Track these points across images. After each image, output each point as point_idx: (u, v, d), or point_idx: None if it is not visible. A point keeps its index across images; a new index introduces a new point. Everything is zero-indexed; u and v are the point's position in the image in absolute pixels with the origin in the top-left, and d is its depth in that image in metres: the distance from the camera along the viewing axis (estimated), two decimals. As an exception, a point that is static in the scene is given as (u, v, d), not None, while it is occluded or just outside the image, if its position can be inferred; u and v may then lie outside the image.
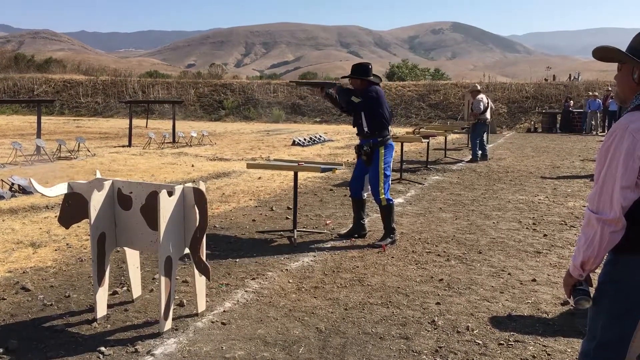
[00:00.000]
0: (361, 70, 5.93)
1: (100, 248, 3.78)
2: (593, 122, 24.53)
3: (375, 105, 5.79)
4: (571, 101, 26.75)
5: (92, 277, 3.98)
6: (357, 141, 6.11)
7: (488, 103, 13.87)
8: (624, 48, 2.10)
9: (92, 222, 3.71)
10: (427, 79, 42.60)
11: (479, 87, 14.32)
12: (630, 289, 2.04)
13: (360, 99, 5.77)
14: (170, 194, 3.59)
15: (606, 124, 24.00)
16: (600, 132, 24.07)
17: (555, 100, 29.78)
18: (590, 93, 25.89)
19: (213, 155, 14.37)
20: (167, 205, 3.55)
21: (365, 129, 5.85)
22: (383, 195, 5.79)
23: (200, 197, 3.65)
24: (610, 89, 25.46)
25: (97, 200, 3.71)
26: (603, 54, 2.14)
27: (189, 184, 3.77)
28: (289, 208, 7.52)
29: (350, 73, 5.99)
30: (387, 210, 5.84)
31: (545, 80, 35.43)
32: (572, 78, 35.35)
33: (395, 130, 21.34)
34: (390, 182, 6.00)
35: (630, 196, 1.99)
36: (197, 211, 3.67)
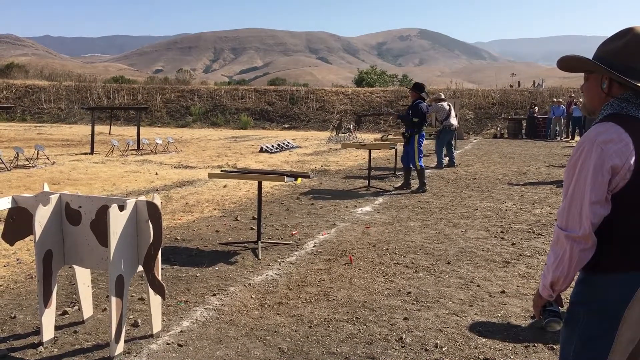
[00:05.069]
0: (418, 87, 10.15)
1: (47, 266, 3.53)
2: (557, 128, 24.95)
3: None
4: (536, 107, 27.15)
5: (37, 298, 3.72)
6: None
7: (450, 109, 13.95)
8: (585, 55, 1.98)
9: (37, 238, 3.46)
10: (395, 85, 42.78)
11: (442, 96, 14.50)
12: (602, 310, 1.90)
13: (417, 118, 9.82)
14: (121, 208, 3.37)
15: (570, 129, 24.41)
16: (564, 138, 24.45)
17: (520, 106, 30.20)
18: (555, 99, 26.32)
19: (178, 163, 14.05)
20: (118, 221, 3.33)
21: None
22: (417, 163, 9.83)
23: (154, 212, 3.44)
24: (573, 95, 25.90)
25: (42, 216, 3.47)
26: (570, 63, 2.02)
27: (142, 198, 3.55)
28: (254, 218, 7.32)
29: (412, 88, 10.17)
30: (420, 173, 9.89)
31: (511, 86, 35.95)
32: (536, 84, 35.98)
33: (363, 136, 21.32)
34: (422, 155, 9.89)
35: (600, 212, 1.85)
36: (151, 226, 3.46)
